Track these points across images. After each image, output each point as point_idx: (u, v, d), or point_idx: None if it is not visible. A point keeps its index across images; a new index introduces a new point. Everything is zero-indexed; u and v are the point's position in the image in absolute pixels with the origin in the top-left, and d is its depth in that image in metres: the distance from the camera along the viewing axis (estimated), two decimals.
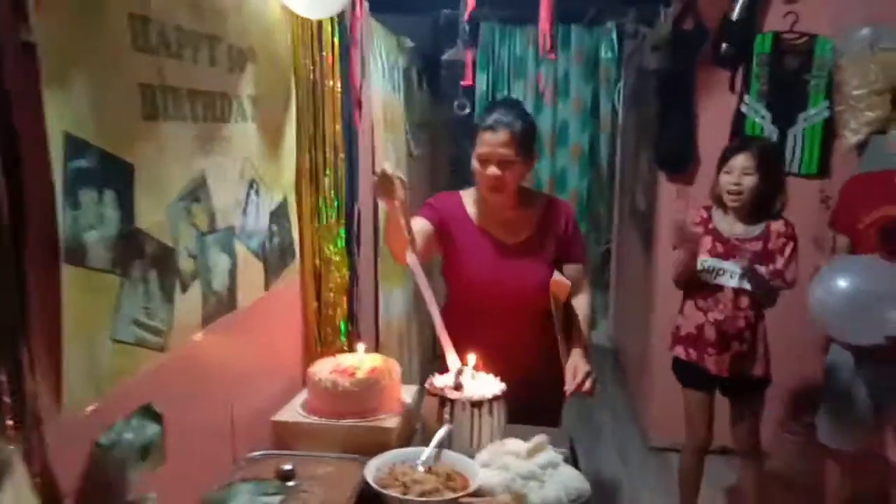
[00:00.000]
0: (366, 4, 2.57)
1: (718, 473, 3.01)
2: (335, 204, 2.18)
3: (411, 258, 1.80)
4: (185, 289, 1.30)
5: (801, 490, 2.95)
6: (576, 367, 1.97)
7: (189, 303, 1.32)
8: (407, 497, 1.38)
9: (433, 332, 1.95)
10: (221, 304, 1.46)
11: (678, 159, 3.33)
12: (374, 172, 1.74)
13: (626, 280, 4.81)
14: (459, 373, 1.75)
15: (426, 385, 1.75)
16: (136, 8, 1.13)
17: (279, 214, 1.77)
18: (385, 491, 1.40)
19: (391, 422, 1.64)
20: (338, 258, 2.21)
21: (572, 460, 1.74)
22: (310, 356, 1.99)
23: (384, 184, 1.72)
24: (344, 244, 2.26)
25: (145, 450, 1.01)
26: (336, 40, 2.12)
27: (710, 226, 2.51)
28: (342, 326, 2.24)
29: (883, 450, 2.44)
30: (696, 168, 3.34)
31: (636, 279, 4.17)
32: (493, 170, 1.95)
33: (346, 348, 2.17)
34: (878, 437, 2.45)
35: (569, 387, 1.94)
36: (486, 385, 1.73)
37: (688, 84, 3.26)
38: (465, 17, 2.19)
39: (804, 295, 2.35)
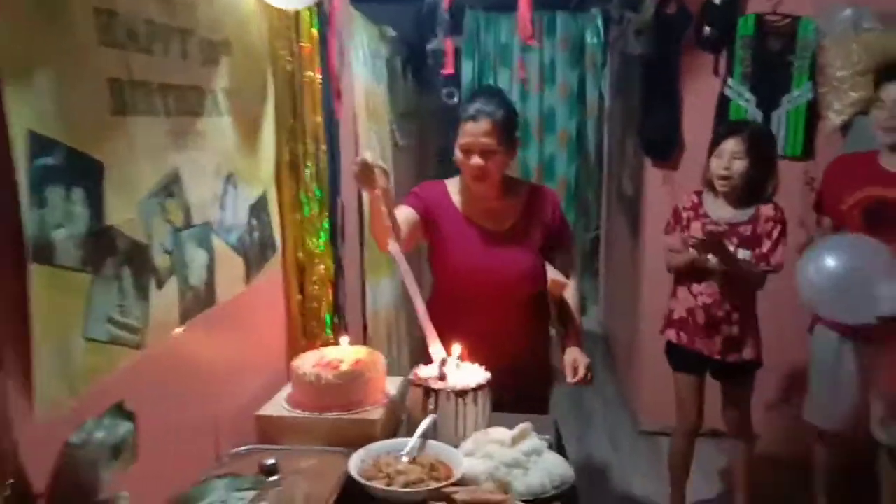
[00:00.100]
0: None
1: (708, 456, 3.03)
2: (318, 196, 2.17)
3: (393, 247, 1.80)
4: (160, 285, 1.29)
5: (789, 470, 2.97)
6: (575, 359, 2.01)
7: (166, 299, 1.31)
8: (391, 488, 1.39)
9: None
10: (200, 300, 1.45)
11: (663, 144, 3.33)
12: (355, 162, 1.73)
13: (615, 266, 4.82)
14: (444, 363, 1.75)
15: (411, 376, 1.75)
16: (102, 2, 1.11)
17: (259, 208, 1.76)
18: (369, 483, 1.40)
19: (375, 414, 1.64)
20: (322, 250, 2.21)
21: (557, 447, 1.74)
22: (294, 350, 1.98)
23: (364, 173, 1.71)
24: (328, 236, 2.25)
25: (117, 449, 1.00)
26: (315, 31, 2.10)
27: (701, 210, 2.51)
28: (327, 319, 2.23)
29: (869, 429, 2.46)
30: (681, 153, 3.34)
31: (624, 265, 4.18)
32: (476, 159, 1.95)
33: (331, 341, 2.17)
34: (864, 416, 2.47)
35: (570, 380, 2.00)
36: (470, 374, 1.73)
37: (672, 68, 3.26)
38: (446, 5, 2.17)
39: (791, 277, 2.35)
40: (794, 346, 2.69)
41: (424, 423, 1.59)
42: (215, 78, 1.51)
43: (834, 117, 3.02)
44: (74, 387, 1.05)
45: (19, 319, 0.95)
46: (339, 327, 2.33)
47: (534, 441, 1.56)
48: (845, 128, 3.02)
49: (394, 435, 1.68)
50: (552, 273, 2.07)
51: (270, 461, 1.42)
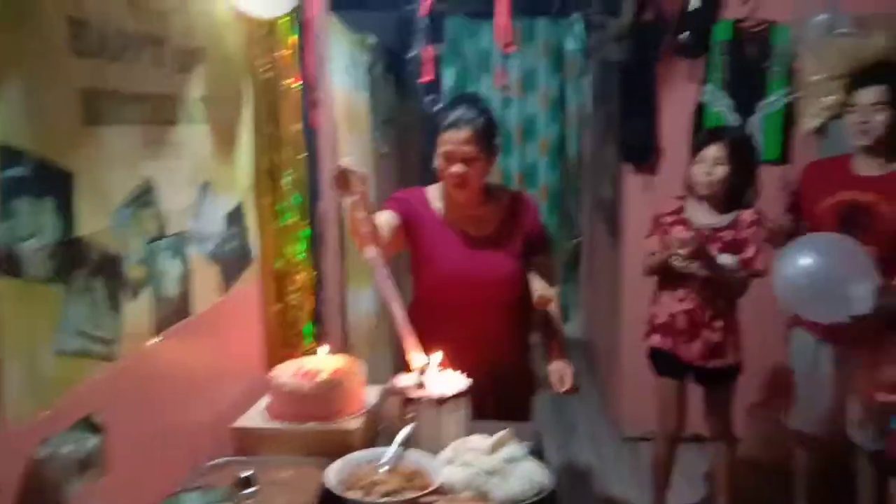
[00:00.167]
0: (323, 1, 2.55)
1: (690, 461, 3.04)
2: (297, 204, 2.16)
3: (371, 252, 1.80)
4: (134, 296, 1.27)
5: (770, 473, 2.99)
6: (561, 370, 2.02)
7: (139, 310, 1.30)
8: (368, 499, 1.38)
9: None
10: (175, 311, 1.44)
11: (641, 150, 3.35)
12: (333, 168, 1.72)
13: (596, 272, 4.84)
14: (423, 371, 1.75)
15: (389, 384, 1.74)
16: (74, 11, 1.10)
17: (235, 217, 1.75)
18: (346, 494, 1.39)
19: (353, 423, 1.63)
20: (301, 259, 2.20)
21: (537, 454, 1.74)
22: (273, 359, 1.96)
23: (342, 178, 1.71)
24: (307, 245, 2.24)
25: (85, 462, 0.98)
26: (293, 38, 2.10)
27: (683, 216, 2.53)
28: (307, 328, 2.22)
29: (846, 431, 2.48)
30: (659, 159, 3.37)
31: (606, 271, 4.19)
32: (456, 167, 1.96)
33: (311, 350, 2.15)
34: (842, 419, 2.49)
35: (558, 389, 2.02)
36: (449, 382, 1.72)
37: (650, 75, 3.28)
38: (423, 12, 2.18)
39: (769, 280, 2.37)
40: (775, 350, 2.71)
41: (403, 432, 1.59)
42: (190, 86, 1.50)
43: (809, 122, 3.05)
44: (45, 400, 1.03)
45: None
46: (319, 336, 2.32)
47: (513, 448, 1.55)
48: (821, 132, 3.06)
49: (373, 444, 1.67)
50: (538, 286, 2.07)
51: (246, 473, 1.40)
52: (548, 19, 4.97)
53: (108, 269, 1.19)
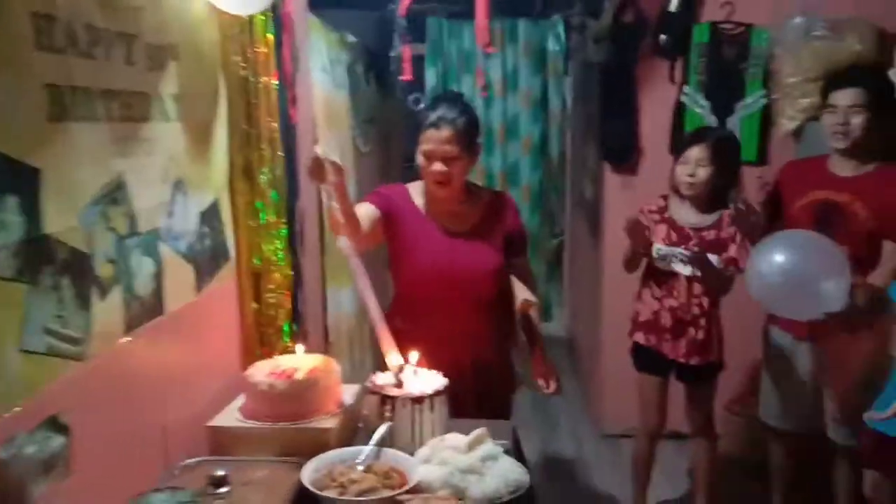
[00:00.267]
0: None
1: (670, 458, 3.06)
2: (274, 202, 2.14)
3: (343, 242, 1.79)
4: (103, 295, 1.26)
5: (748, 471, 3.01)
6: (545, 373, 2.08)
7: (109, 309, 1.28)
8: (343, 497, 1.37)
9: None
10: (147, 309, 1.42)
11: (621, 150, 3.37)
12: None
13: (578, 271, 4.86)
14: (400, 370, 1.74)
15: (367, 383, 1.74)
16: (39, 6, 1.09)
17: (210, 215, 1.73)
18: (321, 492, 1.38)
19: (329, 423, 1.62)
20: (279, 257, 2.18)
21: (515, 452, 1.74)
22: (249, 358, 1.95)
23: (316, 167, 1.71)
24: (285, 243, 2.22)
25: (49, 463, 0.97)
26: (270, 36, 2.08)
27: (666, 214, 2.55)
28: (285, 327, 2.21)
29: (825, 431, 2.50)
30: (639, 158, 3.39)
31: (587, 270, 4.21)
32: (438, 166, 1.98)
33: (290, 349, 2.14)
34: (818, 417, 2.51)
35: (543, 391, 2.08)
36: (427, 381, 1.72)
37: (629, 76, 3.30)
38: (402, 12, 2.18)
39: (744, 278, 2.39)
40: (754, 347, 2.73)
41: (380, 431, 1.58)
42: (162, 83, 1.48)
43: (786, 123, 3.08)
44: (10, 400, 1.01)
45: None
46: (298, 335, 2.30)
47: (489, 446, 1.55)
48: (798, 133, 3.09)
49: (350, 443, 1.66)
50: (519, 289, 2.08)
51: (220, 473, 1.39)
52: (529, 20, 5.00)
53: (77, 267, 1.18)
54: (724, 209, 2.47)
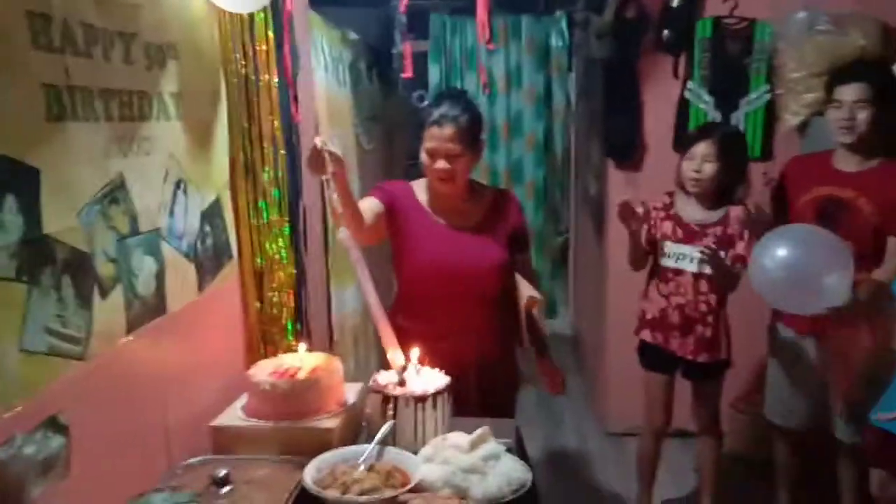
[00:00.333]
0: None
1: (676, 456, 3.05)
2: (277, 200, 2.14)
3: (343, 233, 1.78)
4: (105, 294, 1.26)
5: (754, 469, 3.00)
6: (551, 374, 2.11)
7: (110, 308, 1.28)
8: (345, 497, 1.37)
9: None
10: (148, 309, 1.42)
11: (625, 147, 3.35)
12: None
13: (583, 267, 4.84)
14: (403, 368, 1.74)
15: (370, 382, 1.74)
16: (35, 5, 1.08)
17: (212, 214, 1.73)
18: (323, 492, 1.38)
19: (331, 422, 1.62)
20: (282, 256, 2.18)
21: (518, 451, 1.74)
22: (253, 357, 1.95)
23: (316, 157, 1.71)
24: (289, 242, 2.22)
25: (48, 464, 0.97)
26: (271, 34, 2.08)
27: (672, 211, 2.53)
28: (289, 325, 2.21)
29: (830, 428, 2.49)
30: (643, 155, 3.37)
31: (591, 266, 4.20)
32: (441, 163, 1.98)
33: (293, 348, 2.14)
34: (824, 415, 2.50)
35: (549, 391, 2.13)
36: (429, 380, 1.72)
37: (632, 71, 3.28)
38: (402, 8, 2.17)
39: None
40: (761, 344, 2.72)
41: (382, 430, 1.58)
42: (162, 82, 1.48)
43: (791, 118, 3.06)
44: (10, 400, 1.01)
45: None
46: (302, 333, 2.30)
47: (492, 445, 1.55)
48: (802, 128, 3.07)
49: (353, 442, 1.66)
50: (524, 287, 2.07)
51: (222, 472, 1.39)
52: (533, 17, 4.97)
53: (77, 266, 1.17)
54: (731, 205, 2.45)
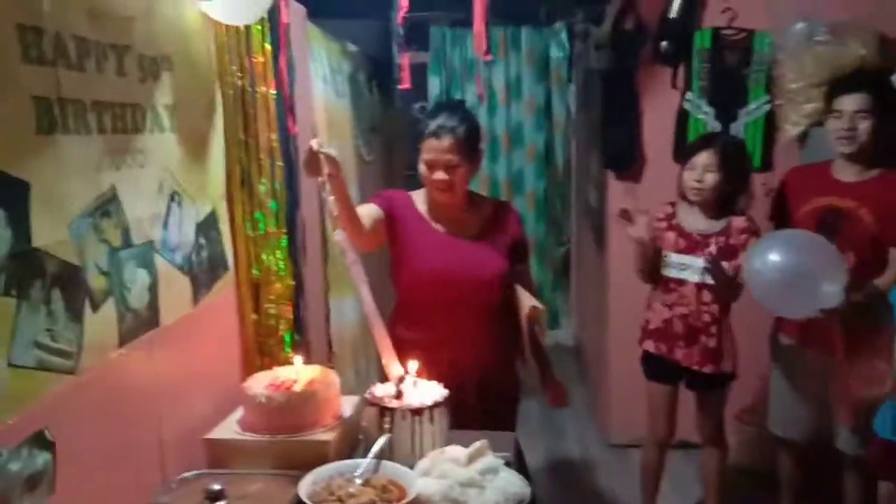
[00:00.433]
0: (299, 9, 2.53)
1: (679, 468, 3.02)
2: (274, 212, 2.14)
3: (339, 235, 1.77)
4: (96, 307, 1.25)
5: (759, 481, 2.97)
6: (553, 387, 2.13)
7: (102, 321, 1.27)
8: None
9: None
10: (141, 322, 1.41)
11: (624, 158, 3.35)
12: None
13: (584, 278, 4.83)
14: (400, 380, 1.73)
15: (367, 394, 1.72)
16: (26, 19, 1.08)
17: (207, 226, 1.72)
18: None
19: (327, 435, 1.61)
20: (280, 267, 2.17)
21: (517, 464, 1.72)
22: (249, 370, 1.94)
23: (312, 160, 1.71)
24: (287, 253, 2.21)
25: (33, 480, 0.95)
26: (268, 46, 2.08)
27: (674, 221, 2.52)
28: (287, 338, 2.19)
29: (834, 440, 2.46)
30: (642, 166, 3.37)
31: (593, 277, 4.18)
32: (439, 174, 1.98)
33: (291, 360, 2.13)
34: (827, 427, 2.47)
35: (553, 404, 2.16)
36: (427, 392, 1.70)
37: (631, 83, 3.28)
38: (399, 20, 2.18)
39: None
40: (766, 355, 2.69)
41: (378, 444, 1.56)
42: (156, 94, 1.47)
43: (790, 129, 3.05)
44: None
45: None
46: (300, 346, 2.29)
47: (490, 459, 1.53)
48: (802, 139, 3.06)
49: (350, 456, 1.64)
50: (525, 297, 2.06)
51: (216, 487, 1.37)
52: (533, 28, 4.99)
53: (68, 280, 1.17)
54: (733, 215, 2.44)
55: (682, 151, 2.82)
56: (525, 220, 4.87)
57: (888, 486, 2.23)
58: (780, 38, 3.05)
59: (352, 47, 3.44)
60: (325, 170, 1.71)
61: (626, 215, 2.45)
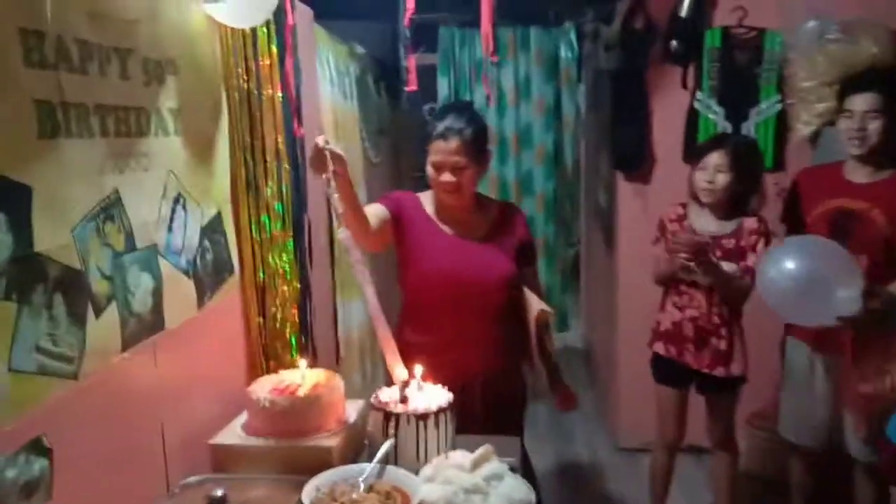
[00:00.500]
0: (306, 11, 2.53)
1: (688, 472, 3.00)
2: (280, 214, 2.13)
3: (343, 233, 1.75)
4: (99, 312, 1.24)
5: (770, 486, 2.94)
6: (561, 390, 2.13)
7: (105, 326, 1.27)
8: None
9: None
10: (145, 326, 1.40)
11: (633, 158, 3.33)
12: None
13: (594, 280, 4.80)
14: (405, 384, 1.71)
15: (371, 399, 1.71)
16: (28, 22, 1.08)
17: (212, 229, 1.72)
18: None
19: (331, 440, 1.59)
20: (287, 270, 2.17)
21: (523, 469, 1.70)
22: (254, 374, 1.93)
23: (317, 157, 1.70)
24: (293, 256, 2.21)
25: (30, 487, 0.95)
26: (274, 48, 2.08)
27: (686, 222, 2.50)
28: (293, 340, 2.19)
29: (846, 446, 2.43)
30: (652, 166, 3.34)
31: (602, 278, 4.16)
32: (447, 176, 1.98)
33: (297, 363, 2.12)
34: (838, 432, 2.44)
35: (561, 408, 2.16)
36: (432, 397, 1.69)
37: (640, 82, 3.26)
38: (406, 22, 2.17)
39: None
40: (773, 359, 2.66)
41: (383, 449, 1.55)
42: (160, 97, 1.47)
43: (802, 128, 3.02)
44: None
45: None
46: (306, 348, 2.28)
47: (495, 465, 1.51)
48: (814, 139, 3.03)
49: (354, 461, 1.63)
50: (534, 300, 2.05)
51: (219, 492, 1.37)
52: (542, 28, 4.96)
53: (70, 284, 1.16)
54: (745, 216, 2.41)
55: (693, 152, 2.80)
56: (534, 221, 4.90)
57: None
58: (792, 36, 3.02)
59: (359, 49, 3.44)
60: (331, 167, 1.70)
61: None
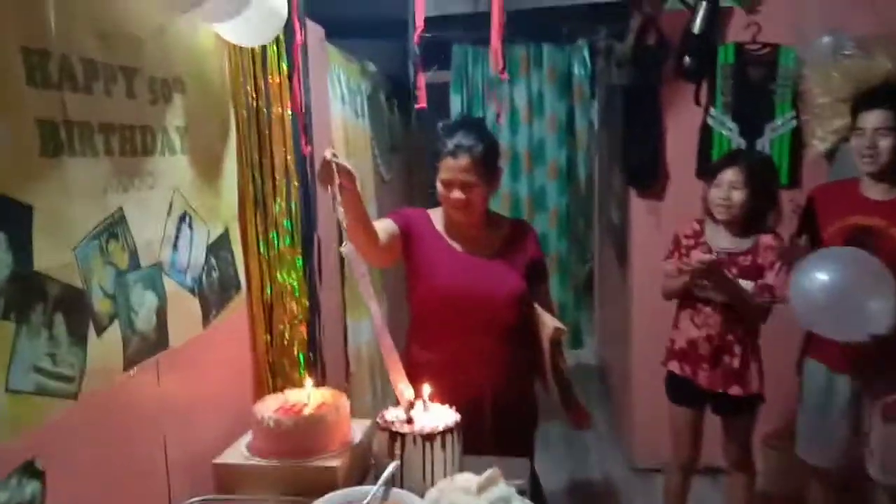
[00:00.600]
0: (317, 29, 2.54)
1: (704, 493, 2.94)
2: (289, 231, 2.13)
3: (347, 248, 1.74)
4: (100, 331, 1.23)
5: None
6: (575, 409, 2.04)
7: (107, 345, 1.26)
8: None
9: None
10: (148, 345, 1.40)
11: (647, 175, 3.30)
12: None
13: (607, 296, 4.76)
14: (411, 404, 1.69)
15: (377, 419, 1.69)
16: (31, 41, 1.08)
17: (219, 247, 1.71)
18: None
19: (336, 461, 1.57)
20: (295, 288, 2.16)
21: (533, 492, 1.67)
22: (261, 392, 1.92)
23: (326, 171, 1.69)
24: (302, 274, 2.20)
25: None
26: (284, 66, 2.08)
27: (702, 239, 2.47)
28: (301, 358, 2.17)
29: (863, 467, 2.36)
30: (665, 183, 3.31)
31: (616, 295, 4.12)
32: (457, 193, 1.96)
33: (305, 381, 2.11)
34: (857, 453, 2.38)
35: (575, 427, 2.08)
36: (439, 417, 1.66)
37: (653, 99, 3.24)
38: (416, 40, 2.18)
39: (787, 309, 2.28)
40: (790, 378, 2.61)
41: (388, 470, 1.53)
42: (167, 116, 1.47)
43: (818, 145, 2.98)
44: None
45: None
46: (315, 366, 2.27)
47: (502, 488, 1.48)
48: (830, 155, 2.99)
49: (360, 482, 1.61)
50: (547, 318, 2.02)
51: None
52: (554, 45, 4.97)
53: (70, 303, 1.15)
54: (761, 233, 2.38)
55: (707, 169, 2.77)
56: (547, 237, 4.87)
57: None
58: (806, 52, 2.99)
59: (371, 67, 3.45)
60: (337, 180, 1.69)
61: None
